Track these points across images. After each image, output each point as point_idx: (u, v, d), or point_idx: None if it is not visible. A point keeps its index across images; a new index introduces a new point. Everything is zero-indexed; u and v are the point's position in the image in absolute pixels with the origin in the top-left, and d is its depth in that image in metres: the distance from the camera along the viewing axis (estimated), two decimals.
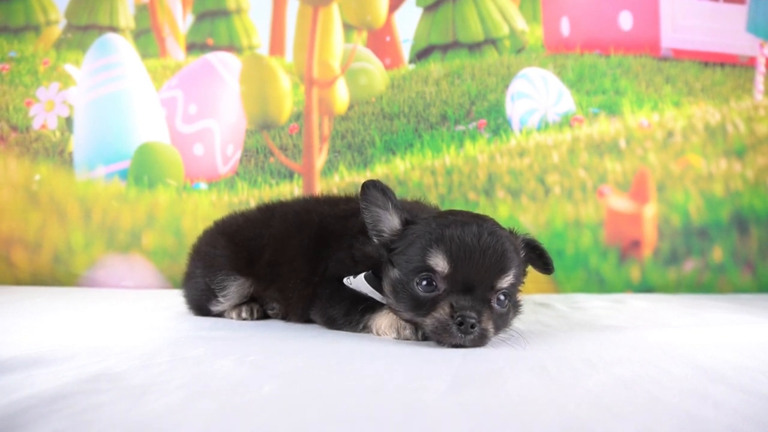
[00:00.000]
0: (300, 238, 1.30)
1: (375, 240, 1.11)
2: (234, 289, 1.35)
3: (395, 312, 1.08)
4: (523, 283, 1.14)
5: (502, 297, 1.03)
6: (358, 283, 1.12)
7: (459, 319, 0.96)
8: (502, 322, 1.05)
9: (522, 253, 1.10)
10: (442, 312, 0.98)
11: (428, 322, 1.00)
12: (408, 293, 1.03)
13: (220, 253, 1.38)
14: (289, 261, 1.29)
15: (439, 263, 1.00)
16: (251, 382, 0.76)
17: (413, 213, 1.11)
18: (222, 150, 2.25)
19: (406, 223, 1.08)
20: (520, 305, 1.14)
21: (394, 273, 1.05)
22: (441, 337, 0.99)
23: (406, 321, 1.07)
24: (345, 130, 2.23)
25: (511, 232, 1.11)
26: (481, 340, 0.99)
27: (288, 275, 1.28)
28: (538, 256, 1.14)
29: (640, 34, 2.23)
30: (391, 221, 1.09)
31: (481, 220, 1.05)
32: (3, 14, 2.32)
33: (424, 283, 1.01)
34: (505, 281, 1.02)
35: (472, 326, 0.96)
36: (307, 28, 2.25)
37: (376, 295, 1.11)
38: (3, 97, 2.28)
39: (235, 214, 1.51)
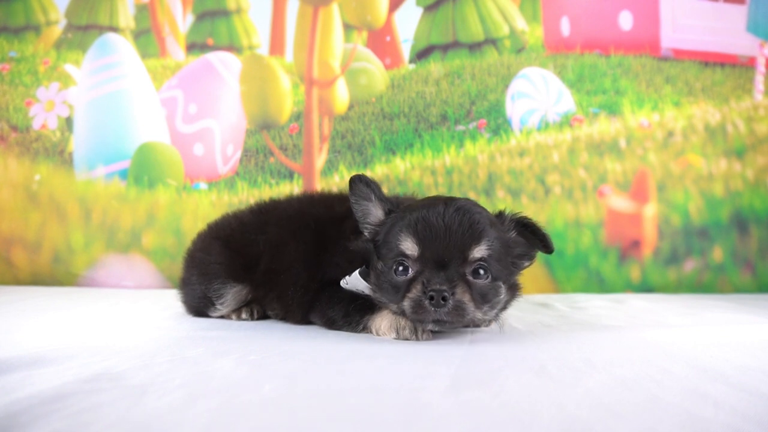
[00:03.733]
0: (296, 244, 1.28)
1: (366, 234, 1.13)
2: (231, 296, 1.34)
3: (380, 302, 1.10)
4: (524, 264, 1.13)
5: (480, 271, 1.03)
6: (353, 281, 1.12)
7: (431, 293, 0.98)
8: (484, 298, 1.04)
9: (512, 233, 1.10)
10: (416, 291, 1.01)
11: (406, 304, 1.02)
12: (388, 281, 1.06)
13: (215, 260, 1.35)
14: (286, 268, 1.27)
15: (408, 246, 1.03)
16: (251, 382, 0.76)
17: (396, 203, 1.13)
18: (222, 150, 2.25)
19: (389, 213, 1.11)
20: (519, 287, 1.15)
21: (378, 265, 1.08)
22: (419, 316, 1.01)
23: (397, 313, 1.08)
24: (345, 130, 2.23)
25: (500, 212, 1.12)
26: (458, 313, 1.00)
27: (286, 283, 1.27)
28: (532, 233, 1.12)
29: (640, 34, 2.23)
30: (375, 212, 1.13)
31: (450, 200, 1.07)
32: (3, 14, 2.32)
33: (401, 268, 1.04)
34: (477, 252, 1.02)
35: (444, 298, 0.98)
36: (307, 28, 2.25)
37: (370, 290, 1.11)
38: (3, 97, 2.28)
39: (228, 216, 1.48)
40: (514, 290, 1.13)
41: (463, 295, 1.00)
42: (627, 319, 1.44)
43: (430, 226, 1.02)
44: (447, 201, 1.06)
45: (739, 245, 2.15)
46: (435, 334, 1.11)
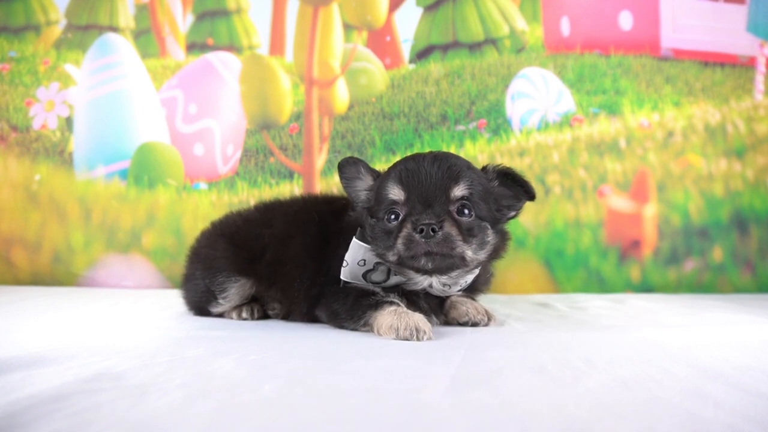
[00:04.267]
0: (302, 236, 1.31)
1: (364, 203, 1.21)
2: (234, 290, 1.36)
3: (381, 257, 1.15)
4: (510, 214, 1.20)
5: (465, 210, 1.11)
6: (353, 251, 1.17)
7: (421, 227, 1.05)
8: (470, 232, 1.10)
9: (495, 182, 1.18)
10: (406, 229, 1.09)
11: (399, 243, 1.09)
12: (381, 230, 1.13)
13: (220, 255, 1.38)
14: (292, 260, 1.30)
15: (395, 192, 1.12)
16: (251, 382, 0.76)
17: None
18: (222, 150, 2.25)
19: (377, 177, 1.20)
20: (508, 233, 1.22)
21: (371, 221, 1.16)
22: (411, 251, 1.07)
23: (396, 263, 1.13)
24: (345, 130, 2.23)
25: (484, 166, 1.21)
26: (448, 245, 1.07)
27: (292, 274, 1.29)
28: (512, 181, 1.19)
29: (640, 34, 2.23)
30: (366, 181, 1.22)
31: (429, 152, 1.16)
32: (3, 14, 2.32)
33: (392, 216, 1.13)
34: (458, 191, 1.10)
35: (433, 230, 1.05)
36: (307, 28, 2.25)
37: (369, 253, 1.16)
38: (3, 97, 2.28)
39: (232, 214, 1.51)
40: (503, 236, 1.21)
41: (450, 228, 1.08)
42: (627, 319, 1.44)
43: (412, 172, 1.12)
44: (426, 153, 1.16)
45: (739, 245, 2.15)
46: (435, 335, 1.11)
